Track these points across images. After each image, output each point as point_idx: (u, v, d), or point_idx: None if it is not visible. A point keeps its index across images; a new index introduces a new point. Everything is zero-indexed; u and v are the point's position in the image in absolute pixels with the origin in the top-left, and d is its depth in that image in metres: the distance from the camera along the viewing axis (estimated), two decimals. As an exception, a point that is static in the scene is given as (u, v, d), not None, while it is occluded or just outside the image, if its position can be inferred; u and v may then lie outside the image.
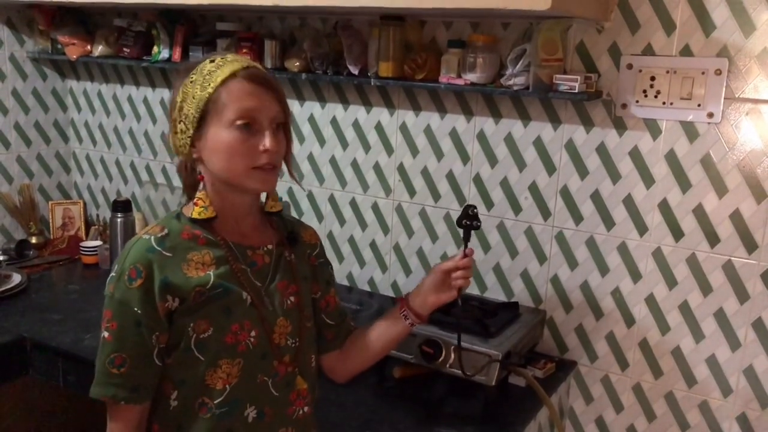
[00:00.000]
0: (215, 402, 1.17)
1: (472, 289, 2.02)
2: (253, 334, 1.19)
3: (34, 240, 2.59)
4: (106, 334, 1.16)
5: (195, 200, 1.21)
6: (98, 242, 2.50)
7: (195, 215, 1.20)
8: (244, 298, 1.19)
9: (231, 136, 1.15)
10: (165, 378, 1.19)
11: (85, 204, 2.77)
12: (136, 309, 1.14)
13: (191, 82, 1.17)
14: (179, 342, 1.16)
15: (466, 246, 1.36)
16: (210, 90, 1.14)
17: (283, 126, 1.21)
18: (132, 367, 1.15)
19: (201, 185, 1.21)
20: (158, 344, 1.16)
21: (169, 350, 1.18)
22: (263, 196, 1.29)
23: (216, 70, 1.16)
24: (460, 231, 1.39)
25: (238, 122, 1.15)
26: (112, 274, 1.17)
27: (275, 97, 1.19)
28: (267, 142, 1.16)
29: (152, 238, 1.17)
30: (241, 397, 1.19)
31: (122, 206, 2.25)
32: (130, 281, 1.14)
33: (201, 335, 1.16)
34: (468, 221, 1.38)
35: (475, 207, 1.38)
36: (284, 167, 1.25)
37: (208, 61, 1.19)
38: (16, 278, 2.22)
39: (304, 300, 1.29)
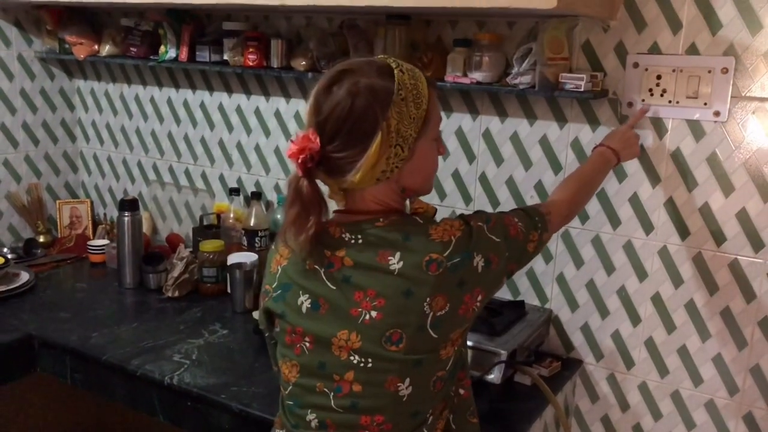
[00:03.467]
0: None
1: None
2: None
3: (41, 239, 2.61)
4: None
5: (417, 208, 1.18)
6: (105, 241, 2.51)
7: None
8: None
9: (433, 149, 1.16)
10: None
11: (92, 203, 2.78)
12: None
13: (402, 100, 1.06)
14: None
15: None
16: (425, 106, 1.09)
17: None
18: None
19: (410, 199, 1.18)
20: None
21: None
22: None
23: (416, 82, 1.09)
24: None
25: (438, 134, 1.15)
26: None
27: None
28: (443, 145, 1.20)
29: None
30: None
31: (129, 205, 2.26)
32: None
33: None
34: None
35: None
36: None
37: (397, 71, 1.07)
38: (24, 276, 2.24)
39: None
